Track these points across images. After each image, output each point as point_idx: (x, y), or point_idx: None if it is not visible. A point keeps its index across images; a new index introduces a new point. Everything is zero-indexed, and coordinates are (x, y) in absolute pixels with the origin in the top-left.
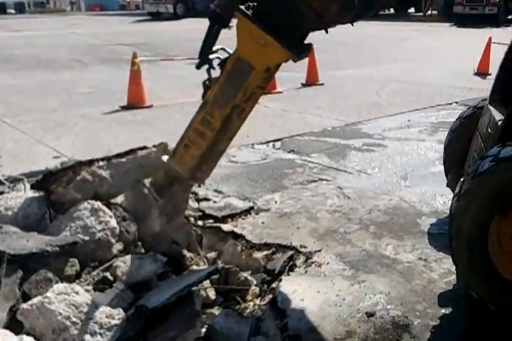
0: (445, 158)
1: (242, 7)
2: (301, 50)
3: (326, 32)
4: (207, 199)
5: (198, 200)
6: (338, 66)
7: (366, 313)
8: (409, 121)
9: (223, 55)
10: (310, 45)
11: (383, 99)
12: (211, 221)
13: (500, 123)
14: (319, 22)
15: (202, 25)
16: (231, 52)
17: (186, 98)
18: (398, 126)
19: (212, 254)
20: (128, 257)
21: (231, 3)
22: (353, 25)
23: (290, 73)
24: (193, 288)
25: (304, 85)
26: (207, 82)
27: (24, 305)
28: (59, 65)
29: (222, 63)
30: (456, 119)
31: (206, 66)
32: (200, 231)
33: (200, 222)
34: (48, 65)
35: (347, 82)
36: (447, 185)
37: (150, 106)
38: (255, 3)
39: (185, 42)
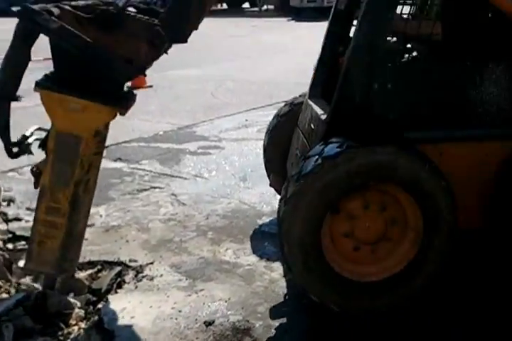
0: (266, 158)
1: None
2: (124, 100)
3: (144, 75)
4: (18, 219)
5: (7, 221)
6: (168, 67)
7: (205, 322)
8: (246, 120)
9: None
10: (131, 91)
11: (219, 99)
12: (23, 243)
13: (323, 118)
14: (131, 68)
15: None
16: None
17: None
18: (235, 126)
19: (26, 279)
20: None
21: (10, 80)
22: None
23: None
24: (2, 319)
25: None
26: (34, 169)
27: None
28: None
29: (43, 144)
30: (273, 118)
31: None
32: (9, 255)
33: (10, 245)
34: None
35: (179, 84)
36: (270, 185)
37: None
38: (52, 71)
39: None
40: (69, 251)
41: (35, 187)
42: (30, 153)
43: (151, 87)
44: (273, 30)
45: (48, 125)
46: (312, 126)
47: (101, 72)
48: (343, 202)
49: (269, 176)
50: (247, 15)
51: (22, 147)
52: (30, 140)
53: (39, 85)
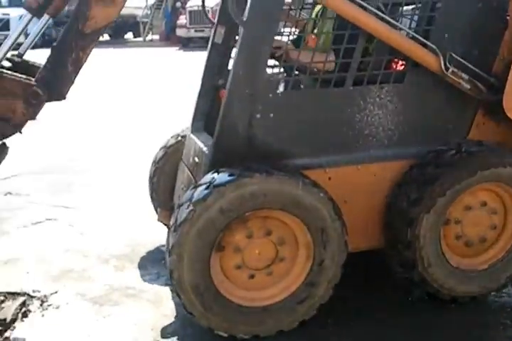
0: (151, 192)
1: None
2: None
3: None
4: None
5: None
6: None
7: None
8: (140, 150)
9: None
10: (4, 144)
11: (110, 130)
12: None
13: (206, 151)
14: (7, 127)
15: None
16: None
17: None
18: (128, 156)
19: None
20: None
21: None
22: None
23: None
24: None
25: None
26: None
27: None
28: None
29: None
30: (159, 150)
31: None
32: None
33: None
34: None
35: (63, 116)
36: (158, 220)
37: None
38: None
39: None
40: None
41: None
42: None
43: (33, 119)
44: (160, 60)
45: None
46: (196, 159)
47: None
48: (225, 238)
49: (156, 210)
50: (130, 45)
51: None
52: None
53: None
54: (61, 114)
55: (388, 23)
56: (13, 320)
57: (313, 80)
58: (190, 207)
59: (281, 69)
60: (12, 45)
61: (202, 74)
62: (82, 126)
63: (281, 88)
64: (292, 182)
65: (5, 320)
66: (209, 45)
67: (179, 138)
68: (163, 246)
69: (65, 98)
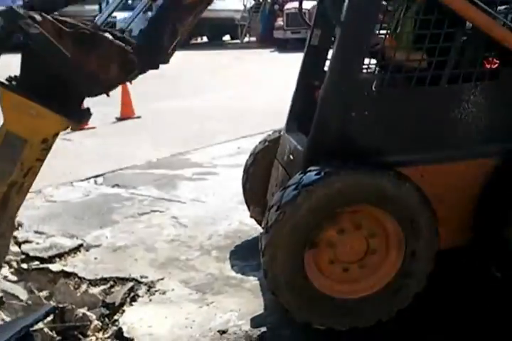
0: (245, 195)
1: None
2: (80, 116)
3: (108, 95)
4: (28, 242)
5: (19, 243)
6: (154, 98)
7: (218, 331)
8: (238, 148)
9: None
10: (88, 109)
11: (208, 128)
12: (37, 262)
13: (302, 148)
14: (97, 87)
15: None
16: None
17: None
18: (228, 153)
19: (43, 293)
20: None
21: None
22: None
23: (100, 108)
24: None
25: (119, 119)
26: None
27: None
28: None
29: None
30: (250, 156)
31: None
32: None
33: (24, 265)
34: None
35: (166, 114)
36: (251, 216)
37: None
38: (19, 75)
39: None
40: None
41: None
42: None
43: (139, 117)
44: (255, 61)
45: None
46: (291, 157)
47: (66, 85)
48: (317, 235)
49: (249, 208)
50: (228, 47)
51: None
52: None
53: (3, 86)
54: (162, 111)
55: (491, 15)
56: (122, 304)
57: (407, 78)
58: (280, 209)
59: (377, 67)
60: (112, 11)
61: (298, 75)
62: (183, 123)
63: (376, 86)
64: (377, 175)
65: (114, 303)
66: (305, 48)
67: (266, 143)
68: None
69: (157, 67)
